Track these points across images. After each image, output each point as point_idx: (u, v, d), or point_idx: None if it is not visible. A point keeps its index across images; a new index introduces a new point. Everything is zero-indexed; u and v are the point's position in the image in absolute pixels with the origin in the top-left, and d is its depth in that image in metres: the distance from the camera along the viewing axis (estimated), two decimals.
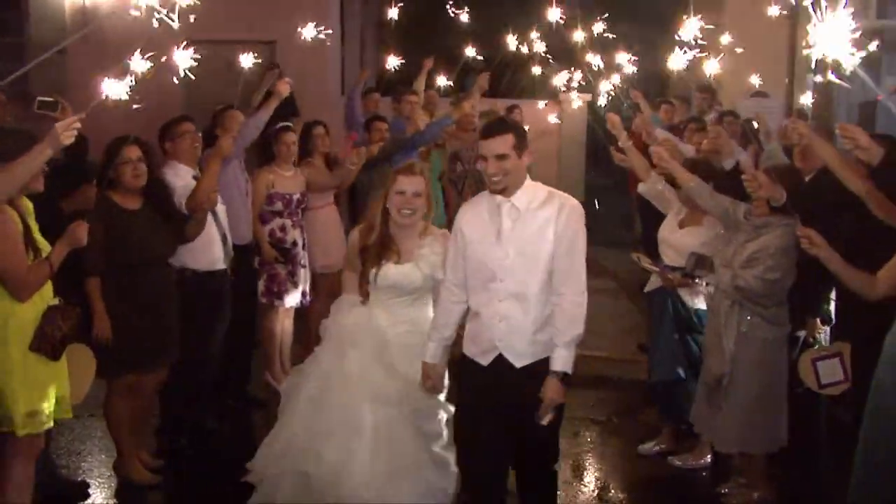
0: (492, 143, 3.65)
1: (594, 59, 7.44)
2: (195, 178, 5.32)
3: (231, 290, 5.65)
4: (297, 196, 6.36)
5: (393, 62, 8.09)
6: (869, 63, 5.34)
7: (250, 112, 6.46)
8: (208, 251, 5.37)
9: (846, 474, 3.81)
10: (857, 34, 2.92)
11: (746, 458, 4.92)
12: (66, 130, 3.66)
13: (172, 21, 3.46)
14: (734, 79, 9.37)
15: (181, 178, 5.30)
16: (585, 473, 5.47)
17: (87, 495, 4.96)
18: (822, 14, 2.93)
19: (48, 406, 4.01)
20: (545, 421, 3.67)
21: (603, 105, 8.00)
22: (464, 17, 7.87)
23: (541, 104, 10.74)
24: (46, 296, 4.04)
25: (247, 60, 5.86)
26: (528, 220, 3.68)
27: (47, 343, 3.94)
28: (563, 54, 8.05)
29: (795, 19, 10.22)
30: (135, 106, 3.67)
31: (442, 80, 8.19)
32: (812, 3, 2.95)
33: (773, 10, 6.86)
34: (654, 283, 5.43)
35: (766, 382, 4.70)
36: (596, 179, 12.36)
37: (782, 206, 4.54)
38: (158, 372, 5.04)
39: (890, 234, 4.05)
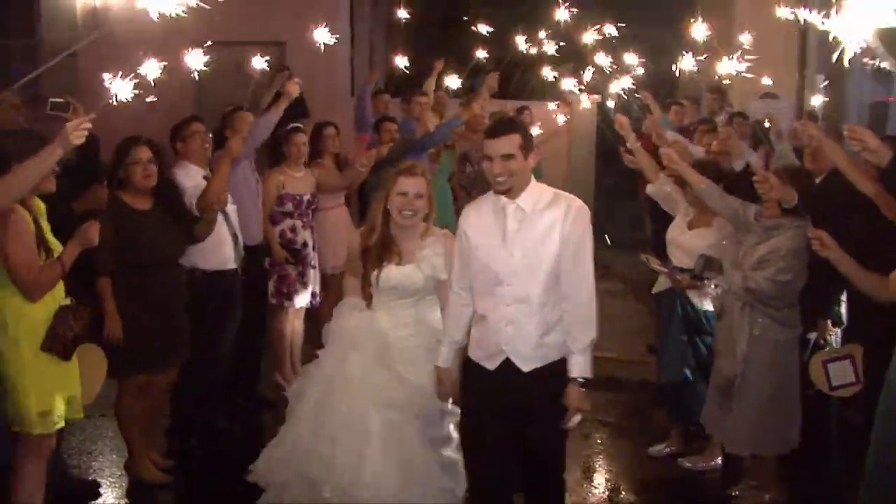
0: (498, 142, 3.61)
1: (604, 60, 7.45)
2: (205, 178, 5.33)
3: (241, 291, 5.67)
4: (307, 197, 6.38)
5: (402, 62, 8.10)
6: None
7: (260, 113, 6.47)
8: (219, 251, 5.39)
9: (857, 476, 3.80)
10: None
11: (757, 460, 4.91)
12: (77, 131, 3.68)
13: (183, 15, 3.47)
14: (744, 80, 9.36)
15: (192, 178, 5.31)
16: (595, 475, 5.46)
17: (98, 495, 4.97)
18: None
19: (60, 406, 4.03)
20: (572, 425, 3.69)
21: (612, 106, 8.01)
22: (483, 28, 7.90)
23: (550, 105, 10.74)
24: (58, 296, 4.06)
25: (259, 62, 5.89)
26: (533, 221, 3.65)
27: (59, 343, 3.96)
28: (573, 55, 8.05)
29: (805, 20, 10.18)
30: (149, 98, 3.68)
31: (452, 81, 8.18)
32: None
33: (783, 12, 6.84)
34: (662, 284, 5.43)
35: (777, 384, 4.69)
36: (606, 180, 12.33)
37: (793, 208, 4.53)
38: (169, 372, 5.05)
39: None
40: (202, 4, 3.55)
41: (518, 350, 3.68)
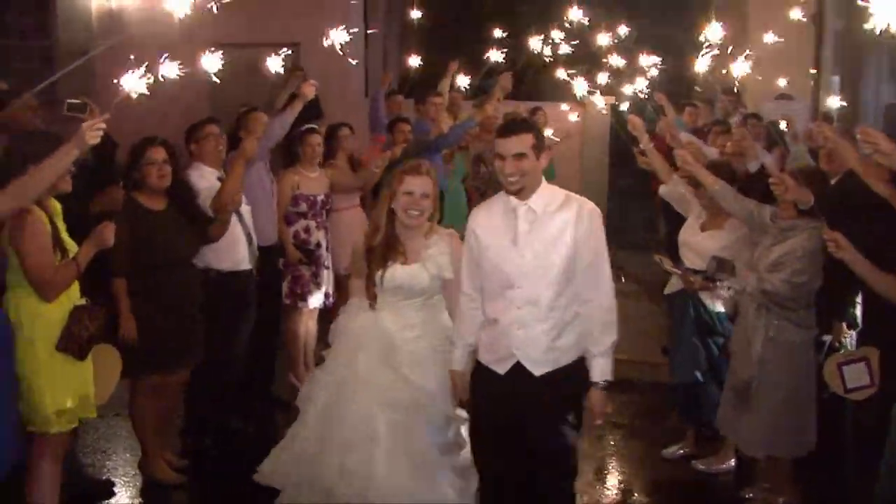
0: (510, 141, 3.58)
1: (618, 61, 7.44)
2: (219, 179, 5.36)
3: (256, 291, 5.68)
4: (321, 197, 6.39)
5: (415, 61, 8.11)
6: None
7: (275, 114, 6.49)
8: (233, 252, 5.41)
9: (872, 479, 3.78)
10: None
11: (771, 462, 4.89)
12: (92, 131, 3.70)
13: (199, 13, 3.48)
14: (758, 81, 9.33)
15: (206, 179, 5.33)
16: (608, 476, 5.46)
17: (113, 494, 4.99)
18: None
19: (74, 405, 4.05)
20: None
21: (626, 107, 8.00)
22: (498, 32, 7.90)
23: (563, 106, 10.73)
24: (73, 296, 4.08)
25: (275, 64, 5.91)
26: (545, 223, 3.62)
27: (74, 343, 3.98)
28: (587, 57, 8.04)
29: (820, 21, 10.17)
30: (164, 100, 3.67)
31: (462, 80, 8.19)
32: None
33: (796, 14, 6.83)
34: (674, 285, 5.42)
35: (793, 386, 4.67)
36: (619, 181, 12.30)
37: (809, 209, 4.51)
38: (182, 373, 5.07)
39: None
40: (214, 5, 3.57)
41: (529, 354, 3.64)
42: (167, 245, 4.85)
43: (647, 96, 7.57)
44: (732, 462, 5.33)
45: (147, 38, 3.57)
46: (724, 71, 5.74)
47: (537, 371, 3.64)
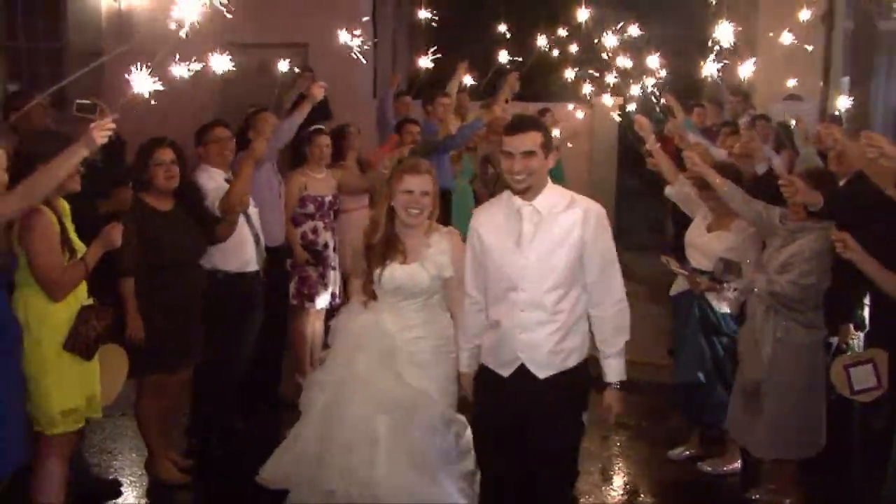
0: (519, 139, 3.53)
1: (625, 62, 7.43)
2: (227, 181, 5.37)
3: (263, 292, 5.69)
4: (329, 198, 6.41)
5: (425, 62, 8.12)
6: None
7: (284, 115, 6.51)
8: (241, 252, 5.42)
9: (879, 481, 3.78)
10: None
11: (777, 464, 4.88)
12: (101, 131, 3.72)
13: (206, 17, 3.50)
14: (768, 82, 9.31)
15: (214, 180, 5.34)
16: (614, 478, 5.46)
17: (119, 494, 5.01)
18: None
19: (81, 405, 4.07)
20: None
21: (634, 108, 7.98)
22: (501, 27, 7.90)
23: (571, 106, 10.73)
24: (80, 296, 4.10)
25: (284, 66, 5.93)
26: (550, 224, 3.57)
27: (81, 343, 4.00)
28: (596, 58, 8.05)
29: (830, 22, 10.14)
30: (172, 101, 3.68)
31: (470, 81, 8.19)
32: None
33: (806, 14, 6.82)
34: (679, 286, 5.41)
35: (803, 387, 4.66)
36: (628, 182, 12.28)
37: (818, 211, 4.50)
38: (182, 373, 5.08)
39: None
40: (224, 8, 3.58)
41: (533, 357, 3.61)
42: (174, 245, 4.86)
43: (656, 97, 7.57)
44: (738, 463, 5.32)
45: (157, 39, 3.58)
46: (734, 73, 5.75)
47: (541, 374, 3.61)
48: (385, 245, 4.04)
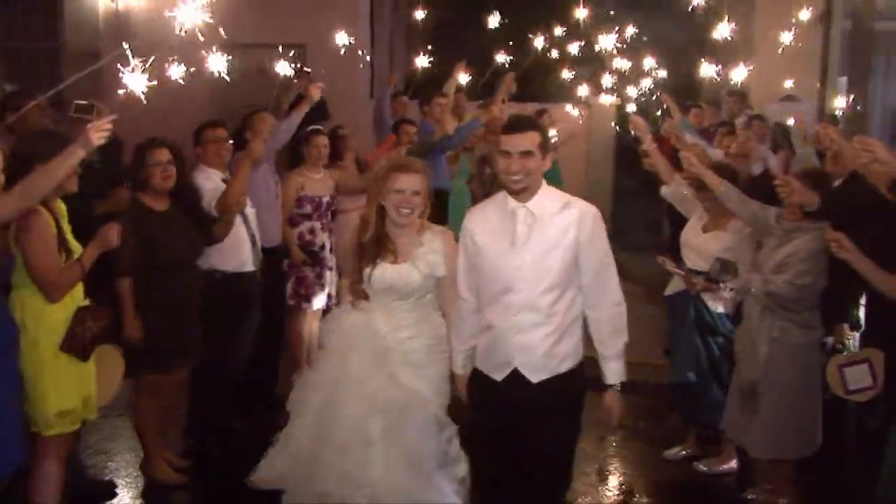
0: (516, 138, 3.49)
1: (623, 63, 7.45)
2: (225, 181, 5.38)
3: (260, 293, 5.70)
4: (326, 199, 6.41)
5: (422, 61, 8.12)
6: None
7: (281, 115, 6.52)
8: (237, 253, 5.43)
9: (874, 481, 3.79)
10: None
11: (774, 464, 4.88)
12: (98, 132, 3.72)
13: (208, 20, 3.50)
14: (765, 83, 9.33)
15: (211, 180, 5.35)
16: (610, 478, 5.46)
17: (115, 495, 5.00)
18: None
19: (77, 407, 4.08)
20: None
21: (632, 108, 8.01)
22: (493, 20, 7.90)
23: (568, 107, 10.74)
24: (77, 297, 4.11)
25: (283, 67, 5.94)
26: (544, 226, 3.53)
27: (78, 343, 4.01)
28: (593, 59, 8.07)
29: (828, 22, 10.16)
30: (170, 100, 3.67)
31: (467, 81, 8.20)
32: None
33: (804, 15, 6.84)
34: (674, 286, 5.42)
35: (800, 387, 4.66)
36: (625, 182, 12.30)
37: (814, 211, 4.51)
38: (179, 373, 5.08)
39: None
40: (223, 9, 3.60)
41: (527, 360, 3.56)
42: (171, 246, 4.86)
43: (652, 97, 7.59)
44: (734, 463, 5.34)
45: (154, 40, 3.59)
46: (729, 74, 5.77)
47: (535, 378, 3.56)
48: (375, 244, 3.98)
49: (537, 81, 10.65)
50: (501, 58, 8.22)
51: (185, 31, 3.52)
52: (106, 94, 4.25)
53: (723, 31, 5.91)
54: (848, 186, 5.01)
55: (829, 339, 4.99)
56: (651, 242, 10.21)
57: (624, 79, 8.36)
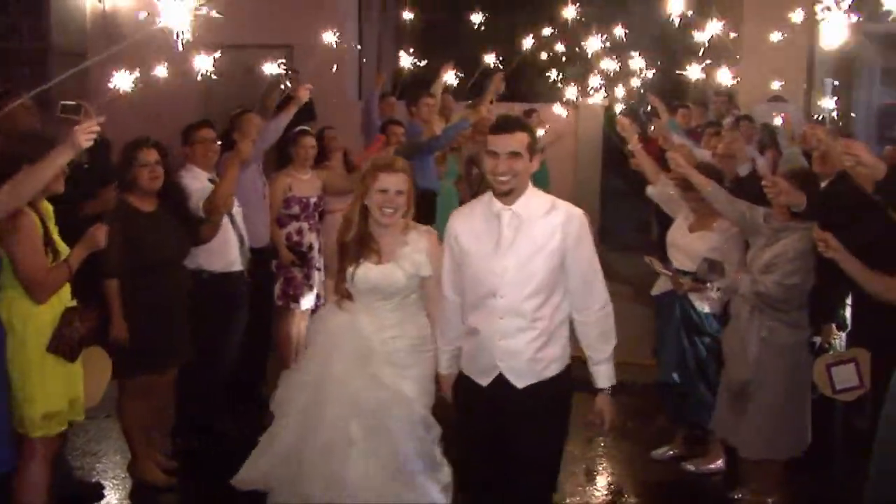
0: (504, 139, 3.44)
1: (610, 64, 7.46)
2: (212, 181, 5.36)
3: (247, 293, 5.69)
4: (313, 199, 6.40)
5: (406, 60, 8.11)
6: None
7: (269, 116, 6.50)
8: (225, 253, 5.42)
9: (861, 481, 3.80)
10: None
11: (762, 464, 4.89)
12: (86, 133, 3.71)
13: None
14: (752, 83, 9.36)
15: (199, 181, 5.35)
16: (598, 478, 5.47)
17: (102, 496, 4.98)
18: None
19: (63, 408, 4.06)
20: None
21: (620, 109, 8.02)
22: (477, 17, 7.91)
23: (556, 107, 10.75)
24: (64, 298, 4.09)
25: (272, 68, 5.94)
26: (530, 229, 3.49)
27: (65, 345, 3.99)
28: (580, 59, 8.07)
29: (815, 23, 10.18)
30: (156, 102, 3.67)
31: (453, 79, 8.20)
32: None
33: (794, 15, 6.86)
34: (661, 286, 5.43)
35: (790, 387, 4.67)
36: (612, 182, 12.32)
37: (802, 211, 4.53)
38: (170, 372, 5.07)
39: None
40: (211, 9, 3.58)
41: (512, 365, 3.53)
42: (157, 246, 4.84)
43: (638, 97, 7.61)
44: (721, 462, 5.35)
45: (142, 40, 3.57)
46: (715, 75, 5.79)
47: (520, 383, 3.53)
48: (358, 244, 3.94)
49: (525, 81, 10.66)
50: (490, 58, 8.21)
51: (179, 35, 3.51)
52: (93, 95, 4.22)
53: (712, 30, 5.93)
54: (835, 187, 5.03)
55: (817, 339, 5.01)
56: (639, 242, 10.23)
57: (611, 79, 8.37)
